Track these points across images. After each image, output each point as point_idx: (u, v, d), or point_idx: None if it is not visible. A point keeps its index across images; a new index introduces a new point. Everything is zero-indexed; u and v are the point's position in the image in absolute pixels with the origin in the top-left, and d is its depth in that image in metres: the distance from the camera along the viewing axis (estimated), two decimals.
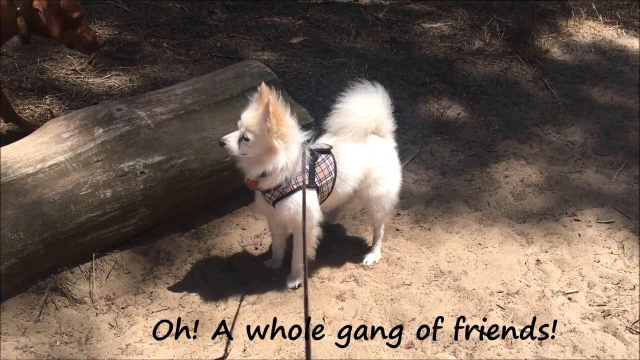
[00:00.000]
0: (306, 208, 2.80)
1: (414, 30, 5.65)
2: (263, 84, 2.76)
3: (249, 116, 2.73)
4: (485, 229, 3.54)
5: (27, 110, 4.06)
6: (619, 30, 5.85)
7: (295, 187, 2.83)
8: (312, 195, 2.88)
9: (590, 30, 5.84)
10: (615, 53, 5.53)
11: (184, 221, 3.40)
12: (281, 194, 2.84)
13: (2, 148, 2.90)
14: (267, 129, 2.67)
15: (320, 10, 5.88)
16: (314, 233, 3.00)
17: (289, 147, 2.76)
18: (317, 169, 2.90)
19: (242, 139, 2.72)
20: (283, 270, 3.16)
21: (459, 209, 3.71)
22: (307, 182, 2.83)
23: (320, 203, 2.97)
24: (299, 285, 3.06)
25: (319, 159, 2.91)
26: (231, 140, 2.73)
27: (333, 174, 2.94)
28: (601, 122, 4.58)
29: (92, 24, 5.12)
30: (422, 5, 6.17)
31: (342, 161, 2.97)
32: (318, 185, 2.90)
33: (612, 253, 3.39)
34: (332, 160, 2.95)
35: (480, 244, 3.44)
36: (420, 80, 4.89)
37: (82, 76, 4.46)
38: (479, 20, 5.83)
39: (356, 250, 3.39)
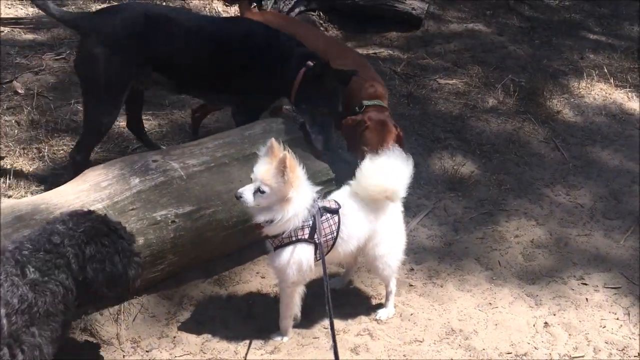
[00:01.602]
0: (295, 262, 2.99)
1: (430, 86, 5.86)
2: (273, 139, 2.96)
3: (263, 169, 2.91)
4: (495, 288, 3.68)
5: (61, 152, 4.26)
6: (629, 93, 6.04)
7: (294, 239, 2.99)
8: (307, 251, 3.03)
9: (601, 93, 6.03)
10: (625, 116, 5.71)
11: (207, 268, 3.55)
12: (280, 242, 3.01)
13: (46, 193, 3.09)
14: (284, 181, 2.86)
15: None
16: (298, 290, 3.11)
17: (297, 200, 2.94)
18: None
19: (257, 191, 2.91)
20: (302, 319, 3.28)
21: (471, 267, 3.85)
22: (306, 236, 3.00)
23: (317, 259, 3.10)
24: (283, 339, 3.19)
25: (323, 217, 3.06)
26: (246, 193, 2.92)
27: (335, 234, 3.09)
28: (610, 185, 4.73)
29: None
30: (438, 61, 6.39)
31: (346, 222, 3.12)
32: (317, 241, 3.04)
33: (617, 319, 3.51)
34: (337, 220, 3.10)
35: (490, 303, 3.57)
36: (435, 136, 5.08)
37: None
38: (493, 79, 6.04)
39: (371, 303, 3.53)
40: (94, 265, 2.45)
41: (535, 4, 8.11)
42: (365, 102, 3.93)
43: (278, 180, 2.86)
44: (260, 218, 2.97)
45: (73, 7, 6.30)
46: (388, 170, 3.13)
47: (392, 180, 3.14)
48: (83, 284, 2.44)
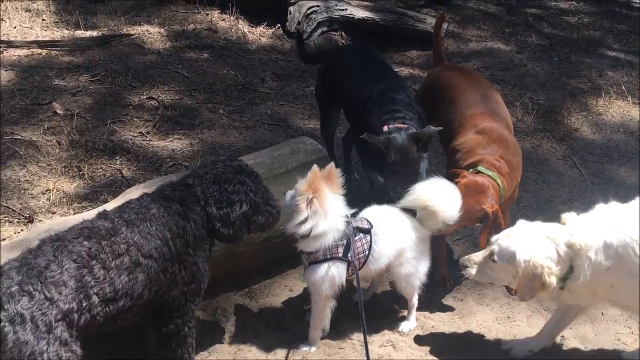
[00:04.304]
0: (329, 278, 3.18)
1: None
2: (332, 164, 3.23)
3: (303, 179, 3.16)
4: (513, 303, 3.82)
5: (100, 170, 4.50)
6: None
7: (327, 257, 3.19)
8: (341, 268, 3.23)
9: (619, 110, 6.14)
10: None
11: (239, 281, 3.75)
12: (315, 259, 3.20)
13: (91, 211, 3.31)
14: (307, 184, 3.09)
15: None
16: (329, 304, 3.30)
17: (327, 216, 3.13)
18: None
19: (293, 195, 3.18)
20: (329, 331, 3.46)
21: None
22: (340, 254, 3.21)
23: (350, 276, 3.30)
24: (311, 349, 3.37)
25: (357, 237, 3.27)
26: (288, 193, 3.22)
27: (367, 252, 3.30)
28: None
29: (156, 88, 5.62)
30: None
31: (378, 241, 3.32)
32: (350, 259, 3.23)
33: (632, 333, 3.63)
34: (369, 240, 3.30)
35: (509, 317, 3.71)
36: None
37: (148, 139, 4.92)
38: (512, 97, 6.19)
39: (394, 316, 3.69)
40: (212, 202, 2.84)
41: (555, 21, 8.27)
42: (481, 168, 3.61)
43: (302, 183, 3.12)
44: (289, 225, 3.18)
45: (105, 29, 6.60)
46: (448, 196, 3.33)
47: (447, 207, 3.32)
48: (208, 217, 2.84)
